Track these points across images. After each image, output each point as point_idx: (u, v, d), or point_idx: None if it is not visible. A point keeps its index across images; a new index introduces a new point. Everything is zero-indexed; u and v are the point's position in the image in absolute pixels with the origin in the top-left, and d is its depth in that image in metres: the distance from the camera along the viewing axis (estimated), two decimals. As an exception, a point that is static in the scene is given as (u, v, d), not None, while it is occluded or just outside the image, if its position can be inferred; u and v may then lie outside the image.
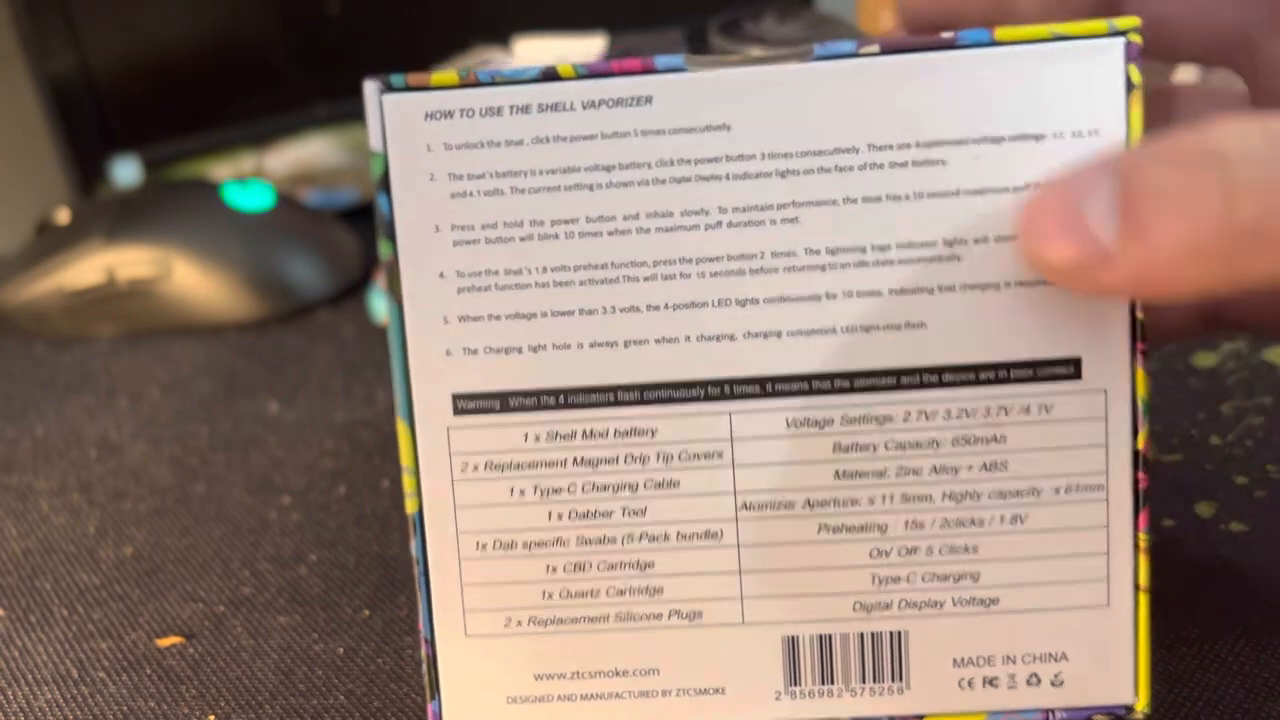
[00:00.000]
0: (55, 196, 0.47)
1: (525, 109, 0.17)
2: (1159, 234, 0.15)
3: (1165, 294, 0.16)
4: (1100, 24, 0.17)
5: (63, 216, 0.40)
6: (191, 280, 0.37)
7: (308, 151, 0.49)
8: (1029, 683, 0.18)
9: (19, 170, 0.48)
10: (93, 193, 0.47)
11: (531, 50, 0.48)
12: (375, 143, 0.18)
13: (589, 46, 0.48)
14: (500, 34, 0.52)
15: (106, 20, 0.46)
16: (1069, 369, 0.18)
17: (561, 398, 0.18)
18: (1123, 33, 0.17)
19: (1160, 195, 0.15)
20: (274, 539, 0.28)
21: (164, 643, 0.25)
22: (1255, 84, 0.21)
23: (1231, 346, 0.32)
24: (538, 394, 0.18)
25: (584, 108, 0.17)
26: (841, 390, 0.18)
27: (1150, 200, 0.16)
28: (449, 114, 0.17)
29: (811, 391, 0.18)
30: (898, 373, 0.18)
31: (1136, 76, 0.17)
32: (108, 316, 0.38)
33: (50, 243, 0.39)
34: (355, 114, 0.51)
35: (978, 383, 0.18)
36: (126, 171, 0.47)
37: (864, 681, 0.18)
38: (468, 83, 0.17)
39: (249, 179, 0.44)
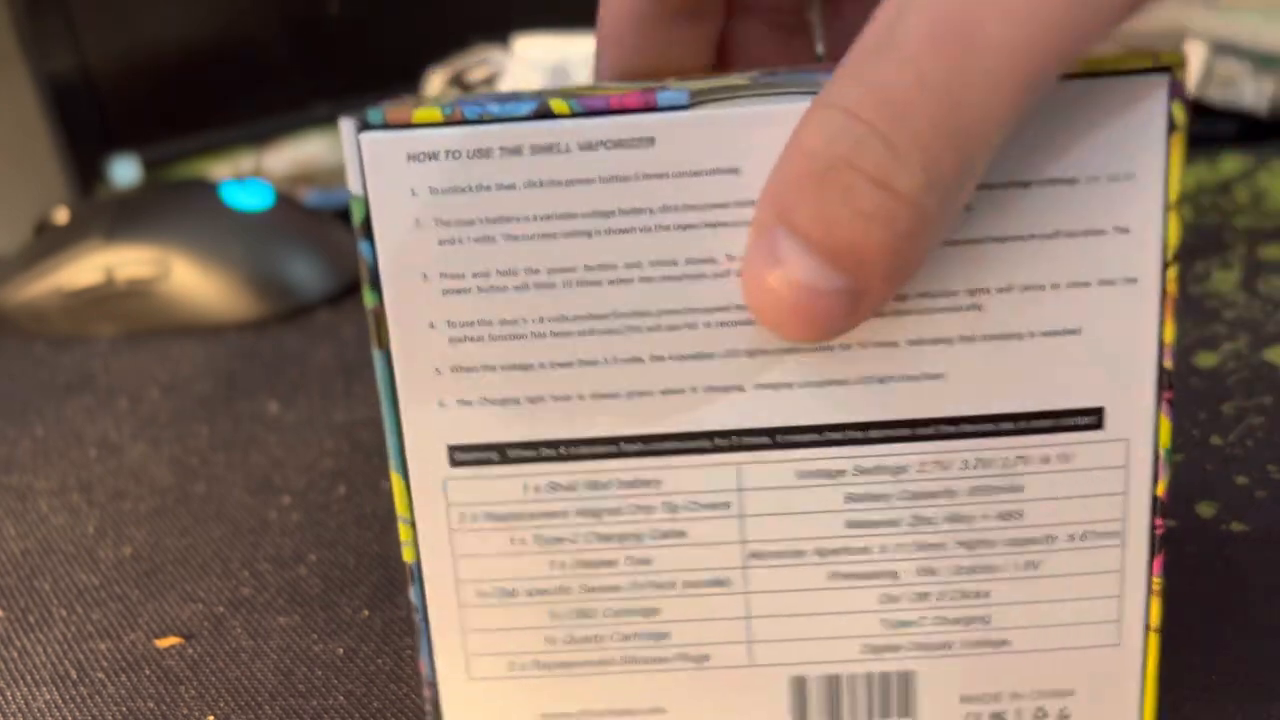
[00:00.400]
0: (54, 196, 0.47)
1: (517, 150, 0.16)
2: (866, 247, 0.15)
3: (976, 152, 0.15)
4: (1144, 57, 0.16)
5: (62, 216, 0.40)
6: (191, 280, 0.37)
7: (307, 151, 0.49)
8: (1035, 717, 0.18)
9: (18, 170, 0.48)
10: (92, 192, 0.47)
11: (531, 49, 0.48)
12: (354, 185, 0.16)
13: (589, 46, 0.48)
14: (500, 33, 0.52)
15: (106, 20, 0.46)
16: (1092, 419, 0.17)
17: (562, 449, 0.17)
18: (1167, 68, 0.16)
19: (836, 220, 0.15)
20: (274, 539, 0.28)
21: (163, 643, 0.25)
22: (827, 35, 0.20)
23: (1232, 346, 0.32)
24: (537, 445, 0.17)
25: (580, 149, 0.16)
26: (855, 441, 0.17)
27: (833, 231, 0.15)
28: (433, 155, 0.16)
29: (824, 443, 0.17)
30: (914, 423, 0.17)
31: (1180, 116, 0.16)
32: (107, 316, 0.38)
33: (49, 242, 0.39)
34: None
35: (997, 433, 0.17)
36: (125, 171, 0.46)
37: (872, 719, 0.18)
38: (453, 120, 0.16)
39: (248, 179, 0.44)
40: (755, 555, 0.18)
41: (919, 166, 0.15)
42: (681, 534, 0.18)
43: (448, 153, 0.16)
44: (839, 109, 0.15)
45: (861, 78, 0.15)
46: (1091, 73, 0.16)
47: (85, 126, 0.47)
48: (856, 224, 0.15)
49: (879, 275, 0.15)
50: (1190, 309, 0.35)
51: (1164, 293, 0.16)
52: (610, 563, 0.18)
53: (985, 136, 0.15)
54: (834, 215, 0.15)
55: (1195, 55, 0.48)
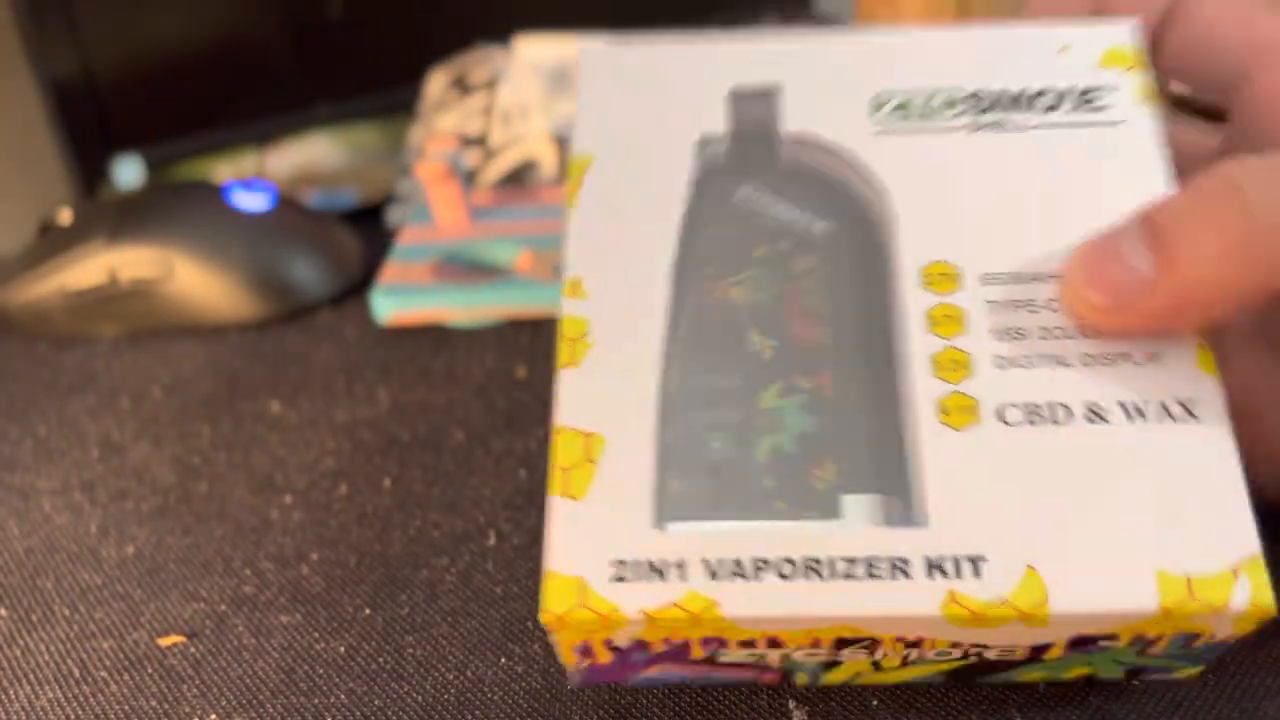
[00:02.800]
0: (57, 197, 0.47)
1: None
2: (1188, 251, 0.18)
3: (1204, 310, 0.18)
4: None
5: (65, 217, 0.40)
6: (193, 280, 0.37)
7: (309, 152, 0.49)
8: None
9: (21, 171, 0.48)
10: (95, 193, 0.47)
11: (532, 50, 0.48)
12: None
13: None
14: (501, 34, 0.52)
15: (109, 21, 0.46)
16: None
17: None
18: None
19: (1183, 221, 0.18)
20: (275, 538, 0.28)
21: (166, 642, 0.25)
22: (1237, 118, 0.23)
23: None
24: None
25: None
26: None
27: (1175, 228, 0.18)
28: None
29: None
30: None
31: None
32: (110, 317, 0.38)
33: (52, 243, 0.39)
34: (357, 114, 0.51)
35: None
36: (129, 172, 0.47)
37: None
38: None
39: (251, 179, 0.44)
40: None
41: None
42: None
43: None
44: (1269, 164, 0.18)
45: None
46: None
47: (88, 127, 0.47)
48: (1197, 232, 0.18)
49: (1175, 282, 0.18)
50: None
51: None
52: None
53: None
54: (1187, 219, 0.18)
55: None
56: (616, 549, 0.18)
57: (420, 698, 0.23)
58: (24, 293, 0.38)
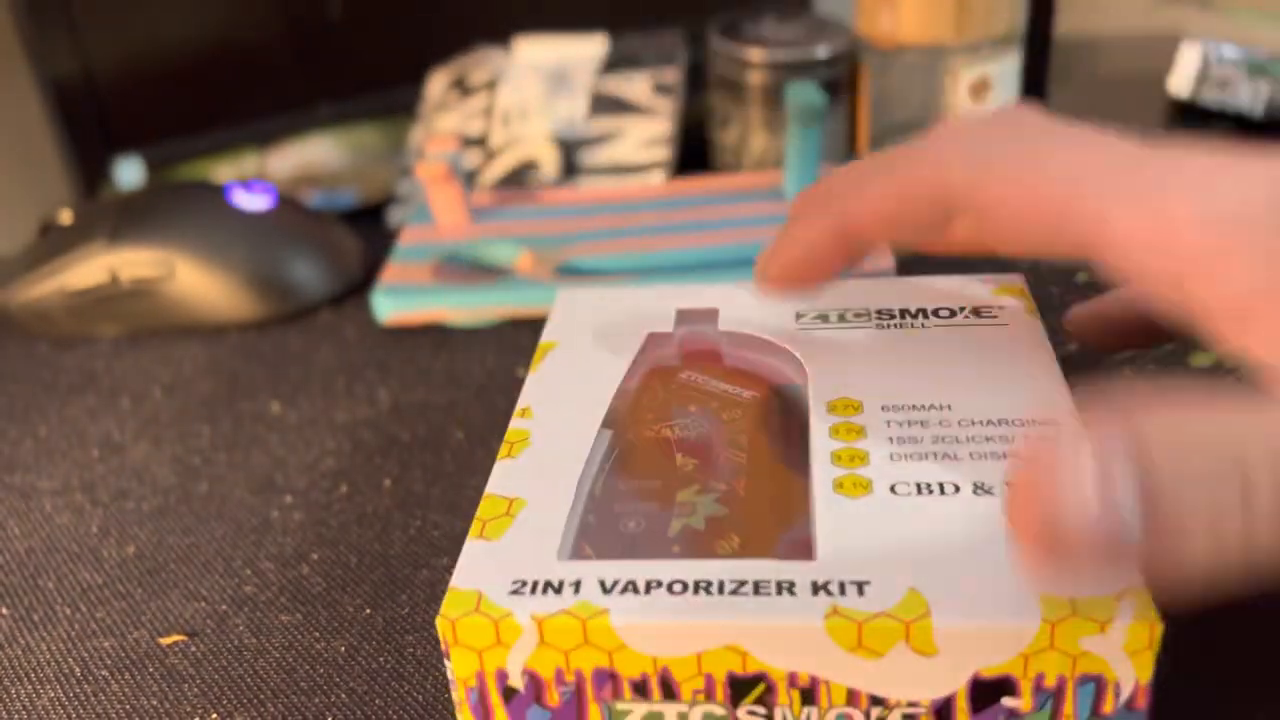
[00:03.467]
0: (58, 197, 0.47)
1: None
2: (1184, 552, 0.16)
3: (1171, 589, 0.17)
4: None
5: (66, 217, 0.40)
6: (194, 281, 0.37)
7: (310, 153, 0.49)
8: None
9: (22, 171, 0.48)
10: (95, 193, 0.47)
11: (532, 51, 0.49)
12: None
13: (589, 48, 0.48)
14: (501, 34, 0.52)
15: (109, 22, 0.46)
16: None
17: None
18: None
19: (1191, 516, 0.16)
20: (276, 538, 0.28)
21: (166, 641, 0.25)
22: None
23: (1229, 347, 0.33)
24: None
25: None
26: None
27: (1179, 519, 0.16)
28: None
29: None
30: None
31: None
32: (110, 317, 0.38)
33: (53, 243, 0.39)
34: (357, 115, 0.51)
35: None
36: (129, 172, 0.47)
37: None
38: None
39: (251, 180, 0.44)
40: None
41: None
42: None
43: None
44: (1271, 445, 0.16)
45: None
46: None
47: (89, 128, 0.47)
48: (1201, 518, 0.16)
49: (1165, 556, 0.16)
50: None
51: None
52: None
53: None
54: (1189, 496, 0.16)
55: (1191, 57, 0.48)
56: (518, 572, 0.19)
57: (421, 697, 0.23)
58: (25, 293, 0.38)
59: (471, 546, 0.20)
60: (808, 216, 0.24)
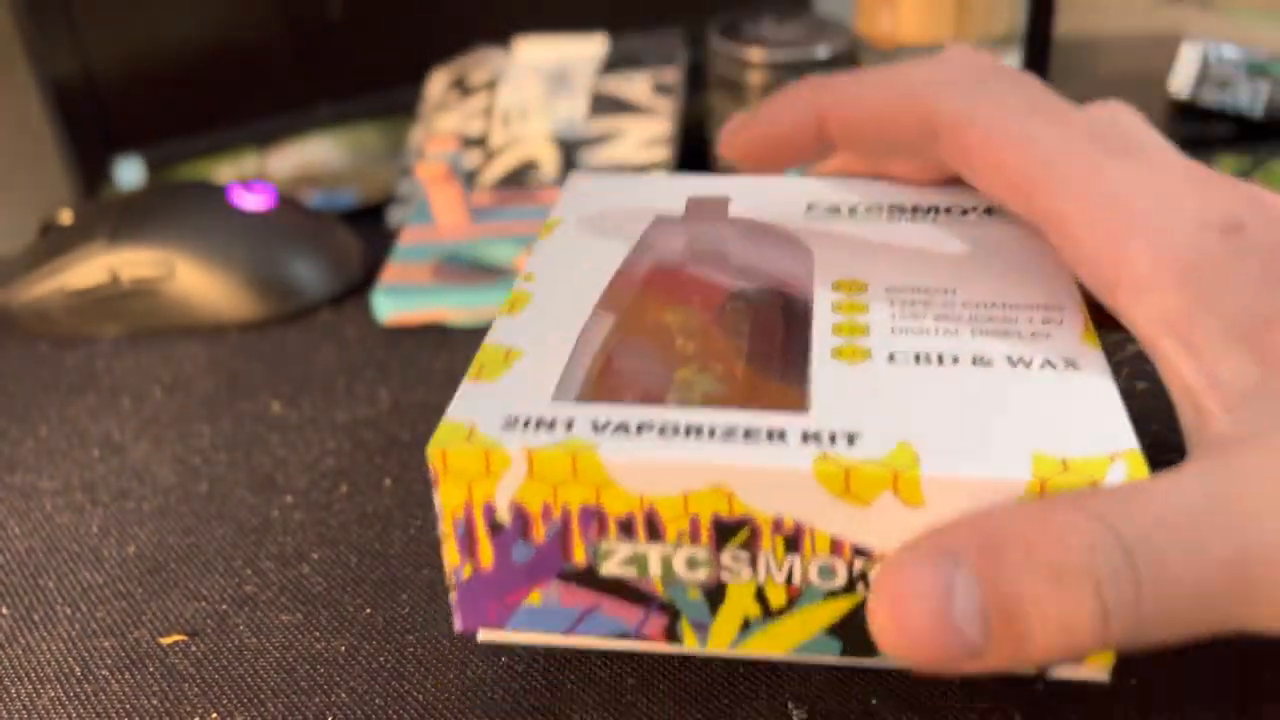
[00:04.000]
0: (58, 197, 0.47)
1: None
2: (1037, 645, 0.16)
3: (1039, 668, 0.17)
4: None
5: (66, 217, 0.40)
6: (194, 281, 0.37)
7: (310, 152, 0.49)
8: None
9: (23, 171, 0.48)
10: (96, 193, 0.47)
11: (532, 51, 0.49)
12: None
13: (589, 48, 0.48)
14: (501, 34, 0.52)
15: (109, 21, 0.46)
16: None
17: None
18: None
19: (1039, 615, 0.16)
20: (276, 538, 0.28)
21: (167, 641, 0.25)
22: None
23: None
24: None
25: None
26: None
27: (1028, 618, 0.16)
28: None
29: None
30: None
31: None
32: (111, 317, 0.38)
33: (54, 243, 0.39)
34: (357, 115, 0.51)
35: None
36: (130, 172, 0.47)
37: None
38: None
39: (251, 180, 0.44)
40: None
41: (1139, 628, 0.16)
42: None
43: None
44: (1122, 545, 0.16)
45: (1152, 533, 0.16)
46: None
47: (89, 128, 0.47)
48: (1051, 628, 0.16)
49: (1010, 660, 0.16)
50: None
51: None
52: None
53: (1181, 637, 0.16)
54: (1039, 607, 0.16)
55: (1191, 57, 0.48)
56: (512, 409, 0.19)
57: (421, 697, 0.23)
58: (25, 293, 0.38)
59: (467, 387, 0.20)
60: (793, 99, 0.24)
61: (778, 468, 0.18)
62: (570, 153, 0.44)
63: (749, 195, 0.27)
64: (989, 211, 0.25)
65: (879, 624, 0.17)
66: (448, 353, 0.35)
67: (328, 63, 0.51)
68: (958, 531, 0.17)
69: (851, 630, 0.19)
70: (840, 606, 0.19)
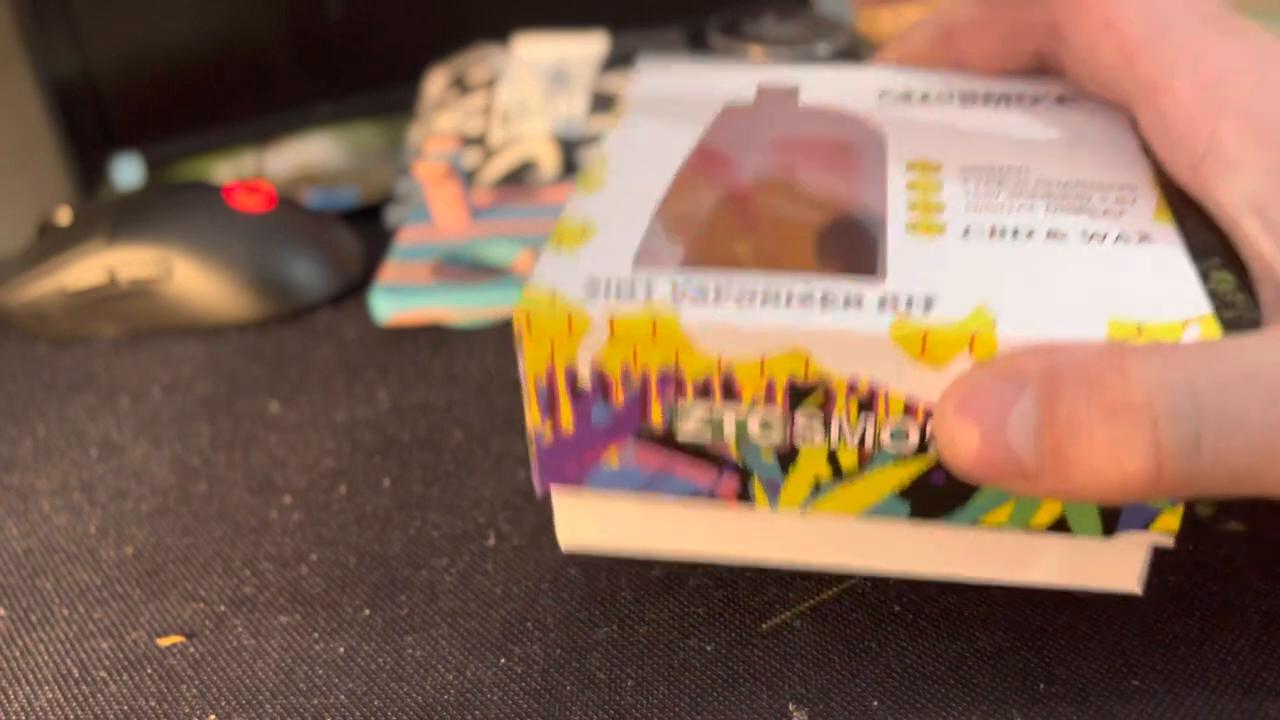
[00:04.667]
0: (56, 196, 0.47)
1: None
2: (1085, 474, 0.17)
3: (1066, 499, 0.18)
4: None
5: (64, 217, 0.40)
6: (193, 280, 0.37)
7: (309, 152, 0.49)
8: None
9: (20, 170, 0.48)
10: (94, 193, 0.47)
11: (531, 49, 0.48)
12: None
13: (589, 47, 0.48)
14: (500, 33, 0.52)
15: (108, 20, 0.46)
16: None
17: None
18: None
19: (1089, 443, 0.16)
20: (275, 538, 0.28)
21: (165, 642, 0.25)
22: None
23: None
24: None
25: None
26: None
27: (1078, 445, 0.16)
28: None
29: None
30: None
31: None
32: (109, 316, 0.38)
33: (52, 243, 0.39)
34: (356, 114, 0.51)
35: None
36: (128, 171, 0.47)
37: None
38: None
39: (250, 179, 0.44)
40: None
41: (1195, 477, 0.16)
42: None
43: None
44: (1190, 390, 0.16)
45: (1224, 384, 0.16)
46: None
47: (87, 127, 0.47)
48: (1101, 458, 0.16)
49: (1059, 488, 0.17)
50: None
51: None
52: None
53: (1242, 493, 0.17)
54: (1095, 440, 0.16)
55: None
56: (594, 273, 0.20)
57: (419, 698, 0.23)
58: (23, 292, 0.38)
59: (547, 256, 0.20)
60: None
61: (855, 331, 0.18)
62: (570, 151, 0.44)
63: (820, 84, 0.27)
64: (1060, 100, 0.26)
65: (938, 432, 0.18)
66: (447, 353, 0.35)
67: (326, 61, 0.51)
68: (1027, 357, 0.17)
69: (921, 493, 0.20)
70: (911, 469, 0.20)
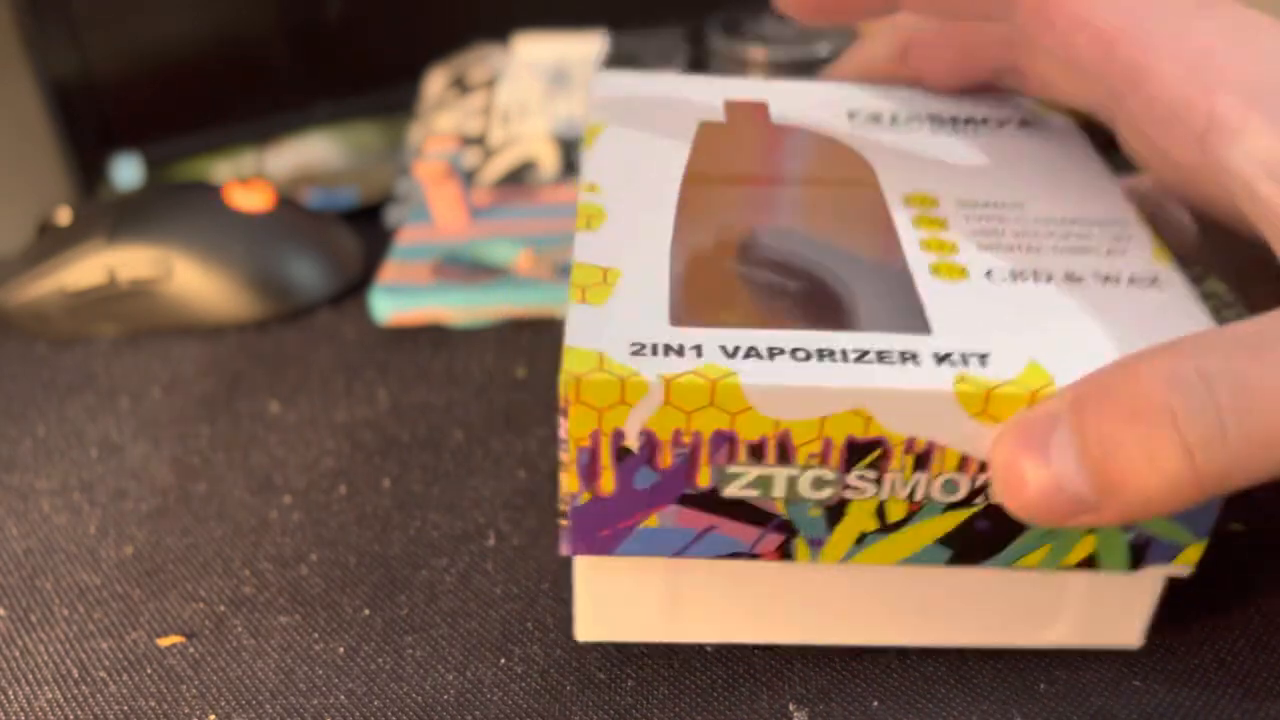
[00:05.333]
0: (56, 196, 0.47)
1: None
2: (1134, 489, 0.17)
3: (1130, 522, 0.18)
4: None
5: (64, 216, 0.40)
6: (192, 280, 0.37)
7: (309, 152, 0.49)
8: None
9: (20, 170, 0.48)
10: (94, 193, 0.47)
11: (531, 49, 0.48)
12: None
13: (589, 46, 0.48)
14: (500, 33, 0.52)
15: (108, 20, 0.46)
16: None
17: None
18: None
19: (1124, 455, 0.17)
20: (275, 538, 0.28)
21: (165, 642, 0.25)
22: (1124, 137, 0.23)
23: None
24: None
25: None
26: None
27: (1117, 460, 0.17)
28: None
29: None
30: None
31: None
32: (109, 316, 0.38)
33: (51, 243, 0.39)
34: (356, 113, 0.51)
35: None
36: (128, 171, 0.47)
37: None
38: None
39: (250, 179, 0.44)
40: None
41: (1233, 460, 0.16)
42: None
43: None
44: (1199, 374, 0.16)
45: (1232, 359, 0.16)
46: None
47: (87, 127, 0.47)
48: (1139, 467, 0.17)
49: (1121, 511, 0.17)
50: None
51: None
52: None
53: None
54: (1126, 449, 0.17)
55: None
56: (635, 335, 0.19)
57: (419, 698, 0.23)
58: (23, 293, 0.38)
59: (577, 311, 0.20)
60: None
61: (920, 390, 0.18)
62: (570, 151, 0.44)
63: (784, 99, 0.27)
64: (1023, 124, 0.26)
65: (997, 489, 0.18)
66: (447, 353, 0.35)
67: (326, 61, 0.51)
68: (1057, 394, 0.18)
69: (963, 539, 0.20)
70: (955, 518, 0.20)
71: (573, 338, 0.19)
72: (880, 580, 0.21)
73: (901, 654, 0.23)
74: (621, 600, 0.22)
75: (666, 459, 0.19)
